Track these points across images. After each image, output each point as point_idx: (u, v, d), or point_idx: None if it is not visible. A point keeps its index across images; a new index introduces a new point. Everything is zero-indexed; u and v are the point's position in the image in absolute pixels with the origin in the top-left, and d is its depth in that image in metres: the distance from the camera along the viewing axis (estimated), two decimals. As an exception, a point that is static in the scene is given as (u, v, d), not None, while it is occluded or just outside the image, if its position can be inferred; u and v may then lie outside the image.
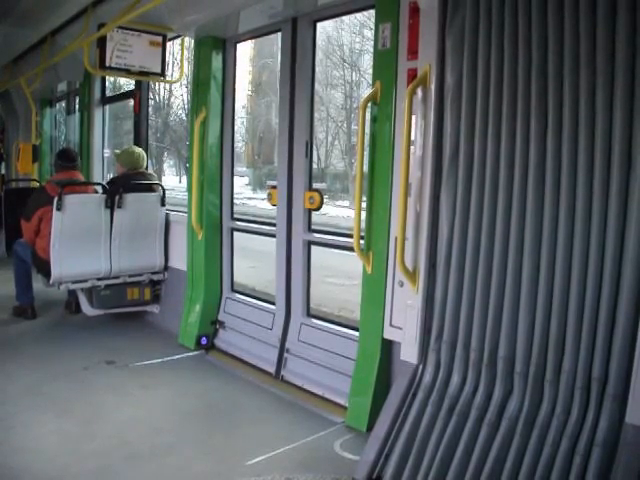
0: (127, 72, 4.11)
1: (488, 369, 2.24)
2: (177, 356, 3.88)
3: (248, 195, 16.13)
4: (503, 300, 2.20)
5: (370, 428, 2.70)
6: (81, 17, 4.39)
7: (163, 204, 4.44)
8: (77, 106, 6.62)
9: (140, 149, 4.70)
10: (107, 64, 3.96)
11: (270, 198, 3.75)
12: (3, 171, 8.21)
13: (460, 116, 2.31)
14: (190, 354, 3.94)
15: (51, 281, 4.11)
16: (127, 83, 6.44)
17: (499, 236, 2.20)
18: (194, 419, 2.96)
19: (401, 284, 2.63)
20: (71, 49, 4.50)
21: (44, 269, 4.20)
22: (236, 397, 3.27)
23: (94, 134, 5.94)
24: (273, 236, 3.72)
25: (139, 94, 5.28)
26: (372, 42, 2.88)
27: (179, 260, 4.36)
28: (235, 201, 4.22)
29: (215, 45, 3.94)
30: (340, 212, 12.21)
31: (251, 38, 4.13)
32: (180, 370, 3.65)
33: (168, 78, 4.70)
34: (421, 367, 2.47)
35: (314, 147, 3.77)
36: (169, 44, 4.39)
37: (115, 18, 3.70)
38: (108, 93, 6.18)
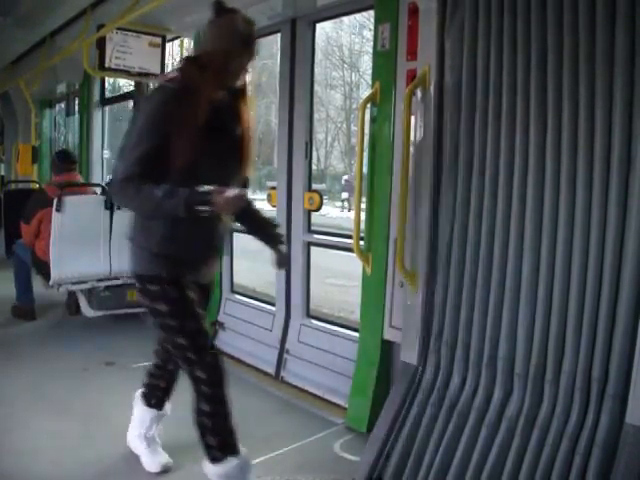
0: (126, 73, 4.11)
1: (488, 370, 2.23)
2: (177, 357, 3.87)
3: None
4: (503, 301, 2.20)
5: (370, 429, 2.69)
6: (80, 18, 4.38)
7: (163, 205, 4.43)
8: (77, 107, 6.62)
9: None
10: (106, 65, 3.96)
11: (269, 199, 3.75)
12: (3, 172, 8.21)
13: (459, 117, 2.31)
14: (190, 355, 3.92)
15: (50, 282, 4.09)
16: (126, 84, 6.43)
17: (499, 237, 2.20)
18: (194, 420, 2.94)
19: (401, 285, 2.63)
20: (70, 50, 4.49)
21: (43, 270, 4.19)
22: (235, 398, 3.25)
23: (93, 135, 5.95)
24: (273, 237, 3.71)
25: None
26: (371, 43, 2.88)
27: (179, 261, 4.34)
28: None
29: (215, 46, 3.93)
30: (340, 213, 12.20)
31: (250, 39, 4.13)
32: (180, 371, 3.63)
33: (167, 79, 4.69)
34: (421, 368, 2.46)
35: (313, 148, 3.77)
36: (168, 45, 4.39)
37: (114, 19, 3.70)
38: (107, 94, 6.19)
